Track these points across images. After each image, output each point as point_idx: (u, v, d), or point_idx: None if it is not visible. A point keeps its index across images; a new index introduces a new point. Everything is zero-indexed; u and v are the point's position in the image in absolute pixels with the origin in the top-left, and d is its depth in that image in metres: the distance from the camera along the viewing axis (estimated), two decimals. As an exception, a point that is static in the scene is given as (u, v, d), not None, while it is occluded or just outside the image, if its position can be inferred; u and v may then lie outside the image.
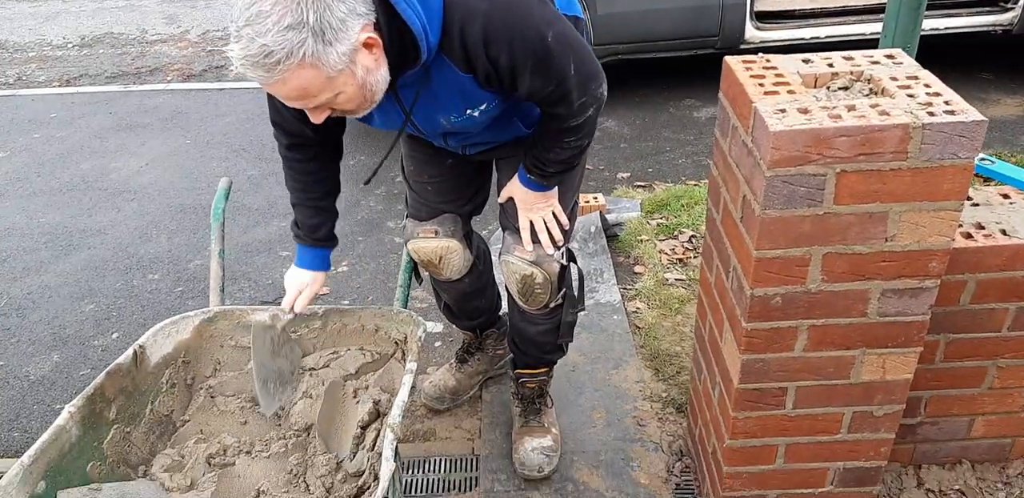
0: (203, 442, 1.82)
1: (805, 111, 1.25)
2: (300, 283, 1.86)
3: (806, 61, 1.41)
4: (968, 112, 1.23)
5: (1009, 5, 4.01)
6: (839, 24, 4.03)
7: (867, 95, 1.33)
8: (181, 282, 3.12)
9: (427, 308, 2.77)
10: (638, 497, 2.00)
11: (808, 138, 1.23)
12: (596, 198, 3.18)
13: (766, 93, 1.32)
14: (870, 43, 3.39)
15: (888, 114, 1.23)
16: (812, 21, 4.06)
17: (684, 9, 3.88)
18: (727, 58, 1.47)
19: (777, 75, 1.37)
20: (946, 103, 1.25)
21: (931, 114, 1.23)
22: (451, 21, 1.34)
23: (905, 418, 1.78)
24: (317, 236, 1.85)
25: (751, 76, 1.37)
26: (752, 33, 3.98)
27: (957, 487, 1.92)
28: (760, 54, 1.44)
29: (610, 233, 3.09)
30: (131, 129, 4.65)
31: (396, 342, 1.99)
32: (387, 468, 1.39)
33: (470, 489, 2.07)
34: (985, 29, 4.09)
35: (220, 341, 1.99)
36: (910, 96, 1.28)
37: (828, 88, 1.35)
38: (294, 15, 1.19)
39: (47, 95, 5.33)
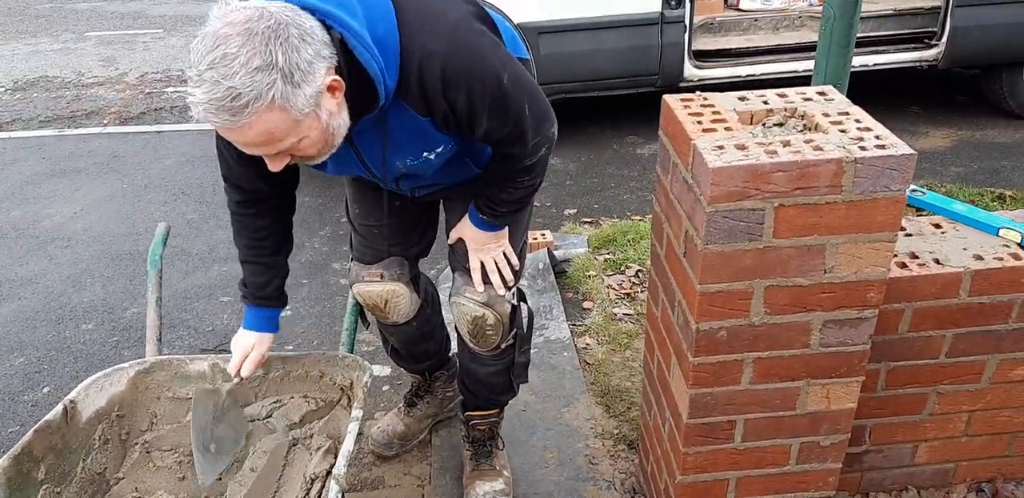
0: (140, 499, 1.73)
1: (742, 147, 1.27)
2: (246, 346, 1.78)
3: (742, 99, 1.44)
4: (898, 146, 1.26)
5: (933, 41, 4.20)
6: (773, 62, 4.17)
7: (801, 131, 1.36)
8: (116, 331, 3.02)
9: (374, 351, 2.72)
10: (594, 539, 1.97)
11: (746, 173, 1.25)
12: (544, 235, 3.19)
13: (704, 130, 1.34)
14: (803, 80, 3.52)
15: (822, 149, 1.26)
16: (747, 59, 4.19)
17: (625, 49, 3.97)
18: (666, 96, 1.50)
19: (714, 112, 1.40)
20: (876, 138, 1.29)
21: (863, 148, 1.26)
22: (409, 65, 1.34)
23: (851, 447, 1.79)
24: (264, 294, 1.78)
25: (689, 114, 1.39)
26: (691, 71, 4.09)
27: (907, 515, 1.94)
28: (697, 92, 1.46)
29: (558, 269, 3.09)
30: (65, 174, 4.53)
31: (342, 388, 1.93)
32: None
33: (422, 537, 2.02)
34: (912, 65, 4.27)
35: (157, 393, 1.92)
36: (842, 131, 1.31)
37: (764, 124, 1.38)
38: (263, 57, 1.17)
39: (-23, 140, 5.19)
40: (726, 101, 1.45)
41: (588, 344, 2.70)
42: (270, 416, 1.92)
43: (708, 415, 1.57)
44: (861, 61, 4.02)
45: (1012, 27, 4.10)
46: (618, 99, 4.64)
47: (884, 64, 4.17)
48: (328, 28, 1.25)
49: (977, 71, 4.64)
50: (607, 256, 3.21)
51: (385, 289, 1.91)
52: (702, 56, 4.16)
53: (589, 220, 3.64)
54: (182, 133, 5.11)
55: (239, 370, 1.76)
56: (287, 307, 1.87)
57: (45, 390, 2.68)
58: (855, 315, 1.45)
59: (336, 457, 1.71)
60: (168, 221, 2.16)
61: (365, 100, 1.35)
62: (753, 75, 4.16)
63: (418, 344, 2.15)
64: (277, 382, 1.93)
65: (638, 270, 3.09)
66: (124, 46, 7.38)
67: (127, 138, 5.10)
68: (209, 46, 1.16)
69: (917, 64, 4.26)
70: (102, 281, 3.37)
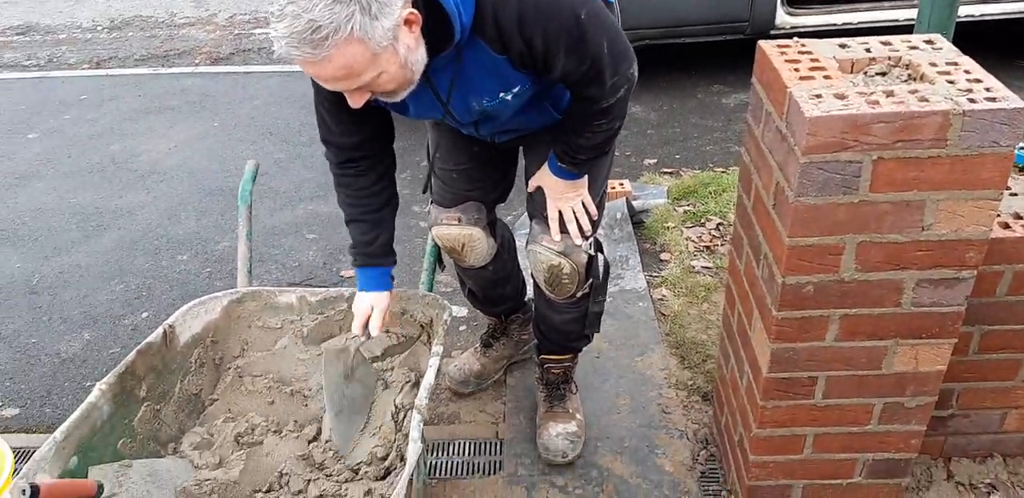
0: (231, 421, 1.84)
1: (842, 97, 1.23)
2: (365, 308, 1.78)
3: (843, 46, 1.39)
4: (1010, 99, 1.20)
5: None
6: (873, 10, 3.96)
7: (905, 81, 1.30)
8: (209, 263, 3.15)
9: (452, 293, 2.77)
10: (662, 484, 2.00)
11: (845, 124, 1.21)
12: (622, 184, 3.16)
13: (801, 78, 1.30)
14: (904, 29, 3.32)
15: (927, 100, 1.21)
16: (845, 6, 3.98)
17: (715, -8, 3.83)
18: (761, 42, 1.45)
19: (813, 60, 1.35)
20: (987, 90, 1.23)
21: (972, 101, 1.20)
22: (484, 1, 1.33)
23: (936, 410, 1.76)
24: (372, 251, 1.79)
25: (786, 61, 1.35)
26: (783, 18, 3.91)
27: (988, 480, 1.90)
28: (795, 38, 1.41)
29: (636, 220, 3.07)
30: (160, 112, 4.68)
31: (422, 325, 2.00)
32: (414, 449, 1.39)
33: (494, 473, 2.08)
34: (1021, 16, 4.00)
35: (248, 322, 2.02)
36: (950, 82, 1.25)
37: (865, 73, 1.32)
38: None
39: (77, 77, 5.38)
40: (826, 48, 1.40)
41: (664, 295, 2.70)
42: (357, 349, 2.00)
43: (789, 370, 1.56)
44: (967, 11, 3.78)
45: None
46: (703, 45, 4.50)
47: (993, 14, 3.90)
48: None
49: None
50: (687, 208, 3.17)
51: (462, 232, 1.93)
52: (796, 2, 3.97)
53: (670, 170, 3.59)
54: (269, 74, 5.20)
55: (364, 329, 1.78)
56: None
57: (144, 315, 2.83)
58: (952, 275, 1.41)
59: (418, 389, 1.77)
60: (256, 159, 2.23)
61: (441, 37, 1.35)
62: (850, 23, 3.95)
63: (494, 288, 2.19)
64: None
65: (719, 223, 3.05)
66: (215, -14, 7.49)
67: (217, 78, 5.22)
68: None
69: (1028, 15, 4.00)
70: (196, 215, 3.51)
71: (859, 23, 3.95)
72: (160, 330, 1.83)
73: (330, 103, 1.60)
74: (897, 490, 1.78)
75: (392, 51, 1.28)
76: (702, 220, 3.07)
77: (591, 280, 1.89)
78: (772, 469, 1.74)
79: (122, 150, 4.18)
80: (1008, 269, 1.59)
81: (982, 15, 3.86)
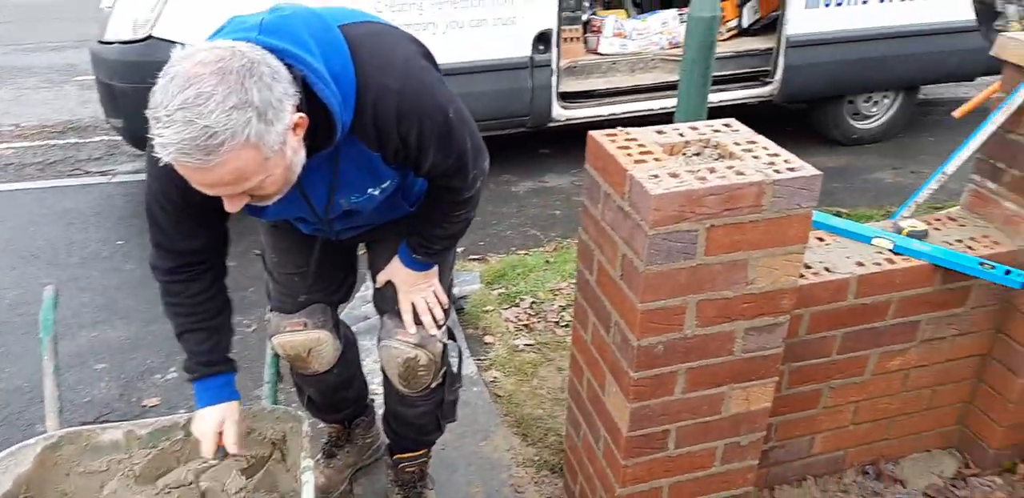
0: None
1: (675, 175, 1.41)
2: (214, 423, 1.66)
3: (660, 132, 1.59)
4: (806, 168, 1.44)
5: (768, 79, 4.66)
6: (632, 101, 4.47)
7: (717, 159, 1.51)
8: (-19, 411, 2.77)
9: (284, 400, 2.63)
10: (533, 564, 2.01)
11: (683, 199, 1.38)
12: (434, 274, 3.23)
13: (636, 162, 1.46)
14: (660, 117, 3.80)
15: (744, 173, 1.41)
16: (608, 100, 4.47)
17: (499, 92, 4.14)
18: (591, 132, 1.62)
19: (640, 145, 1.53)
20: (786, 162, 1.46)
21: (777, 172, 1.42)
22: (364, 100, 1.37)
23: (761, 445, 1.94)
24: (212, 360, 1.70)
25: (618, 147, 1.52)
26: (558, 111, 4.31)
27: (807, 502, 2.12)
28: (619, 128, 1.59)
29: (456, 306, 3.14)
30: None
31: (273, 442, 1.88)
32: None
33: (360, 586, 1.98)
34: (752, 100, 4.71)
35: (66, 469, 1.79)
36: (755, 157, 1.47)
37: (684, 154, 1.52)
38: (239, 95, 1.17)
39: None
40: (646, 135, 1.59)
41: (495, 377, 2.76)
42: (198, 479, 1.84)
43: (647, 426, 1.67)
44: (711, 98, 4.41)
45: (835, 65, 4.62)
46: (489, 141, 4.79)
47: (728, 100, 4.56)
48: (288, 66, 1.27)
49: (804, 105, 5.17)
50: (500, 290, 3.30)
51: (309, 338, 1.87)
52: (568, 97, 4.40)
53: (477, 257, 3.72)
54: (21, 192, 4.76)
55: (217, 449, 1.65)
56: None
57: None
58: (772, 321, 1.61)
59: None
60: (20, 287, 2.02)
61: (319, 137, 1.38)
62: (615, 114, 4.43)
63: (338, 392, 2.12)
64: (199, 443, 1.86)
65: (532, 301, 3.19)
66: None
67: (-47, 201, 4.70)
68: (180, 86, 1.15)
69: (756, 99, 4.71)
70: (-49, 358, 3.07)
71: (623, 113, 4.43)
72: (-34, 485, 1.59)
73: (173, 206, 1.51)
74: (739, 524, 1.92)
75: (281, 154, 1.28)
76: (516, 301, 3.21)
77: (444, 369, 1.91)
78: (637, 525, 1.81)
79: None
80: (806, 312, 1.84)
81: (720, 101, 4.47)
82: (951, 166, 1.94)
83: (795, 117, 5.47)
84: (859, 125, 5.07)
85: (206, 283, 1.68)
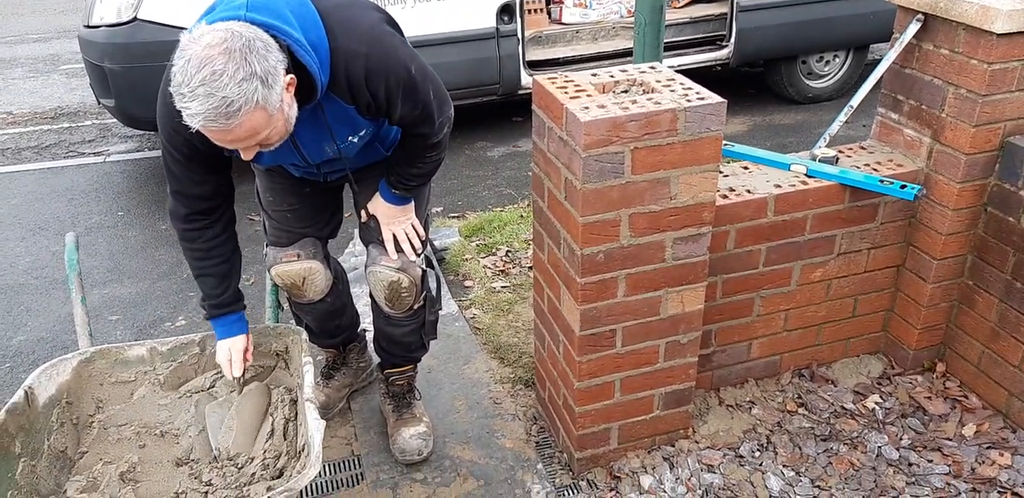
0: (110, 464, 1.90)
1: (603, 106, 1.70)
2: (225, 354, 2.00)
3: (594, 74, 1.88)
4: (713, 97, 1.73)
5: (724, 43, 4.95)
6: (596, 68, 4.72)
7: (642, 94, 1.80)
8: (7, 358, 3.05)
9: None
10: (507, 459, 2.31)
11: (609, 124, 1.67)
12: (417, 228, 3.52)
13: (571, 98, 1.75)
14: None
15: (660, 103, 1.70)
16: (573, 67, 4.75)
17: (469, 61, 4.42)
18: (536, 77, 1.90)
19: (576, 85, 1.82)
20: (697, 93, 1.75)
21: (688, 101, 1.72)
22: (337, 64, 1.66)
23: (702, 349, 2.23)
24: (223, 302, 2.00)
25: (557, 87, 1.81)
26: (527, 79, 4.59)
27: (748, 400, 2.42)
28: (560, 72, 1.88)
29: (438, 257, 3.43)
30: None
31: (277, 353, 2.17)
32: (318, 427, 1.60)
33: (358, 483, 2.26)
34: (709, 64, 4.99)
35: (100, 380, 2.07)
36: (672, 91, 1.77)
37: (614, 91, 1.81)
38: (245, 69, 1.45)
39: None
40: (583, 77, 1.88)
41: (475, 314, 3.06)
42: (213, 386, 2.13)
43: (595, 326, 1.97)
44: (668, 63, 4.67)
45: (785, 27, 4.91)
46: (463, 110, 5.07)
47: (687, 64, 4.85)
48: (275, 38, 1.55)
49: (760, 68, 5.46)
50: (478, 242, 3.60)
51: (303, 267, 2.15)
52: (535, 66, 4.68)
53: (456, 215, 4.01)
54: (22, 173, 5.00)
55: (233, 373, 1.99)
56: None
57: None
58: (695, 232, 1.90)
59: (295, 405, 1.96)
60: (32, 255, 2.28)
61: (304, 94, 1.66)
62: (578, 77, 4.72)
63: (332, 319, 2.41)
64: (214, 356, 2.14)
65: (507, 251, 3.49)
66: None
67: (-40, 182, 4.94)
68: (197, 66, 1.44)
69: (713, 63, 4.99)
70: (-21, 314, 3.35)
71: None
72: (22, 391, 1.87)
73: (184, 157, 1.81)
74: (685, 416, 2.23)
75: (281, 111, 1.57)
76: (493, 250, 3.50)
77: (425, 292, 2.20)
78: (594, 416, 2.11)
79: None
80: (732, 228, 2.13)
81: (679, 65, 4.75)
82: (855, 100, 2.23)
83: (755, 79, 5.77)
84: (813, 84, 5.37)
85: (218, 230, 1.97)
